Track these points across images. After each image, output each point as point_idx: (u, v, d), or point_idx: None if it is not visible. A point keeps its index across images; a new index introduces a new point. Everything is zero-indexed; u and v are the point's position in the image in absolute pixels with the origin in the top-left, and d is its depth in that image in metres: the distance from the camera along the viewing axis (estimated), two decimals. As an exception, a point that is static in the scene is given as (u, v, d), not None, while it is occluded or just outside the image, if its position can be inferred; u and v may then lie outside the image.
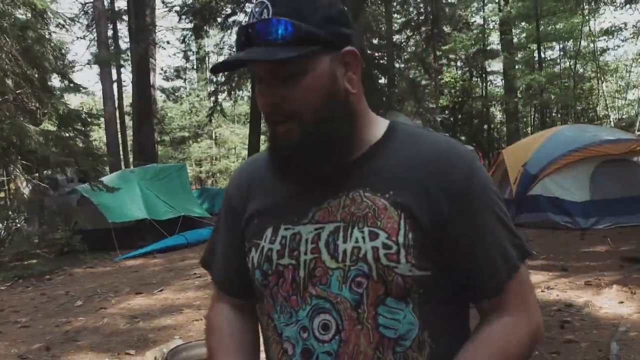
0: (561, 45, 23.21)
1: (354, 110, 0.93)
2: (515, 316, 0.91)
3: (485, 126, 25.40)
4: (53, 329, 5.09)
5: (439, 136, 0.99)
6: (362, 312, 0.87)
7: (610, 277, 5.45)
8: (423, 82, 19.46)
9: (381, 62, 16.89)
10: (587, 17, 19.82)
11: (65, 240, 9.64)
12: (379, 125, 0.97)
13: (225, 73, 16.50)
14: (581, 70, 22.92)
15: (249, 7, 14.83)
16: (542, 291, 5.25)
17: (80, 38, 18.22)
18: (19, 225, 11.41)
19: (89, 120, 10.25)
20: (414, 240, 0.87)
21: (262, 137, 22.18)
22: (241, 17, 15.77)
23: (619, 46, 32.65)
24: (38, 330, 5.10)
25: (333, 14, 0.89)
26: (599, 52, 21.47)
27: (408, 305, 0.88)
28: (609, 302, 4.72)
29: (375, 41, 16.52)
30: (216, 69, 0.93)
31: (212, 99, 17.71)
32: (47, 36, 10.48)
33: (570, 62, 22.06)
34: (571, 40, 21.38)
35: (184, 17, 15.91)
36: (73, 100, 21.40)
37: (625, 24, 19.61)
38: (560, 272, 5.95)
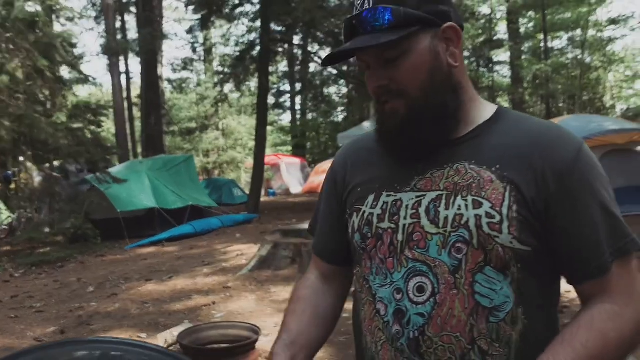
0: (569, 35, 23.08)
1: (458, 83, 0.97)
2: (619, 303, 0.89)
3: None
4: (67, 313, 5.26)
5: (547, 121, 1.01)
6: (459, 278, 0.89)
7: (610, 265, 5.54)
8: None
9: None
10: (594, 6, 19.71)
11: (77, 228, 9.80)
12: (488, 107, 1.01)
13: (230, 65, 16.62)
14: (588, 59, 22.81)
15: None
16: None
17: (89, 30, 18.33)
18: (30, 214, 11.61)
19: (100, 111, 10.39)
20: (518, 213, 0.88)
21: (269, 128, 22.35)
22: (248, 8, 15.85)
23: (625, 35, 32.36)
24: (52, 314, 5.27)
25: None
26: (605, 42, 21.32)
27: (507, 278, 0.89)
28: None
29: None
30: (326, 61, 1.00)
31: (218, 89, 17.84)
32: (56, 28, 10.62)
33: (577, 52, 21.96)
34: (579, 29, 21.27)
35: (191, 7, 16.01)
36: (81, 92, 21.59)
37: (633, 12, 19.48)
38: (561, 260, 6.05)
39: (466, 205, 0.91)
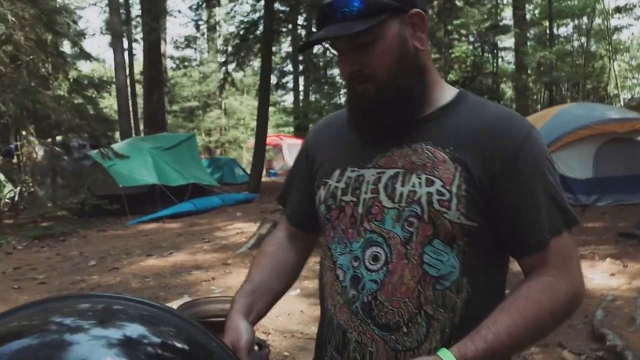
0: (575, 22, 22.91)
1: (424, 66, 1.03)
2: (555, 276, 0.95)
3: (495, 102, 25.24)
4: (69, 285, 5.36)
5: (503, 107, 1.07)
6: (410, 249, 0.98)
7: (605, 252, 5.62)
8: (432, 57, 19.27)
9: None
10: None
11: (84, 203, 9.86)
12: (449, 91, 1.08)
13: (234, 45, 16.54)
14: (594, 48, 22.66)
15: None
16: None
17: (92, 5, 18.20)
18: (32, 189, 11.68)
19: (101, 85, 10.38)
20: (466, 192, 0.96)
21: (271, 109, 22.29)
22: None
23: (631, 25, 32.05)
24: (55, 286, 5.37)
25: None
26: (612, 30, 21.16)
27: (453, 251, 0.97)
28: (601, 274, 4.90)
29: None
30: (301, 48, 1.09)
31: (223, 69, 17.77)
32: (60, 1, 10.57)
33: (582, 40, 21.82)
34: (585, 17, 21.10)
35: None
36: (84, 68, 21.52)
37: (641, 1, 19.25)
38: (557, 246, 6.13)
39: (420, 183, 0.99)
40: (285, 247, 1.24)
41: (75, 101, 9.51)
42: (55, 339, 0.88)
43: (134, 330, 1.06)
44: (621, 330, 3.49)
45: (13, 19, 9.04)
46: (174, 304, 4.10)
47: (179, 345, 1.05)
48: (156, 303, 1.15)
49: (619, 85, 21.46)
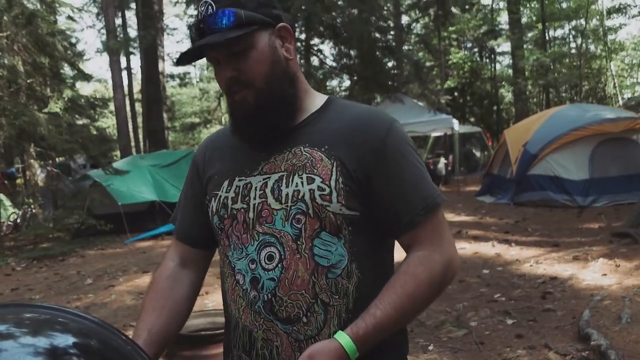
0: (572, 25, 22.94)
1: (294, 74, 1.13)
2: (429, 249, 1.06)
3: (495, 107, 25.31)
4: (64, 305, 5.39)
5: (368, 106, 1.19)
6: (301, 244, 1.05)
7: (598, 252, 5.61)
8: (428, 64, 19.38)
9: (388, 44, 16.90)
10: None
11: (80, 223, 9.94)
12: (318, 97, 1.18)
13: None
14: (593, 48, 22.66)
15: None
16: (530, 265, 5.44)
17: (90, 27, 18.43)
18: (33, 210, 11.78)
19: (97, 104, 10.49)
20: (344, 184, 1.05)
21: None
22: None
23: (625, 24, 32.00)
24: (50, 306, 5.40)
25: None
26: (606, 29, 21.15)
27: (340, 240, 1.06)
28: (593, 274, 4.89)
29: (383, 24, 16.50)
30: (179, 60, 1.13)
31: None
32: (56, 26, 10.73)
33: (579, 41, 21.83)
34: (583, 18, 21.14)
35: (192, 4, 16.07)
36: (86, 89, 21.74)
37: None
38: (551, 248, 6.13)
39: (302, 182, 1.07)
40: (178, 279, 1.24)
41: (71, 122, 9.61)
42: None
43: (62, 340, 1.11)
44: (607, 329, 3.49)
45: (8, 42, 9.20)
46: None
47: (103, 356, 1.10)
48: (98, 320, 1.20)
49: (617, 85, 21.42)
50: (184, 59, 1.12)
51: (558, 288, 4.63)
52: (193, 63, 1.22)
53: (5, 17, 8.31)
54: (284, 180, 1.08)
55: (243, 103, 1.08)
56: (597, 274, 4.90)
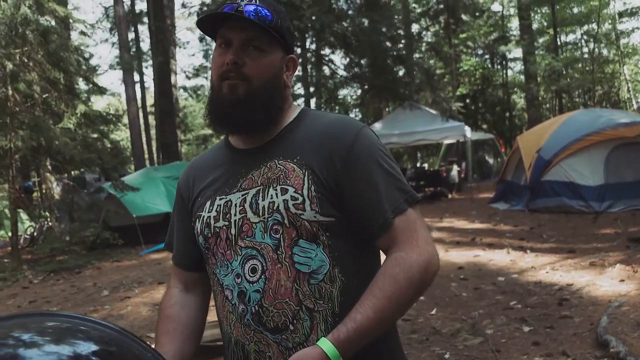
0: (584, 29, 22.81)
1: (286, 97, 1.19)
2: (405, 250, 1.06)
3: (507, 113, 25.20)
4: (81, 316, 5.44)
5: (338, 114, 1.23)
6: (280, 253, 1.07)
7: (615, 258, 5.54)
8: (438, 72, 19.37)
9: (398, 52, 16.95)
10: (606, 0, 19.45)
11: (96, 236, 10.05)
12: (293, 111, 1.21)
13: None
14: (605, 52, 22.49)
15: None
16: (546, 272, 5.39)
17: (104, 41, 18.70)
18: (50, 223, 11.93)
19: (110, 119, 10.64)
20: (317, 192, 1.07)
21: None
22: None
23: (638, 28, 31.71)
24: (67, 318, 5.45)
25: (289, 27, 1.17)
26: (619, 33, 20.98)
27: (319, 246, 1.07)
28: (610, 281, 4.83)
29: (393, 32, 16.56)
30: (201, 21, 1.13)
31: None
32: (70, 41, 10.91)
33: (590, 46, 21.69)
34: (594, 23, 21.03)
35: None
36: (100, 103, 22.06)
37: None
38: (567, 254, 6.06)
39: (276, 194, 1.09)
40: (185, 304, 1.27)
41: (85, 136, 9.74)
42: (8, 352, 0.97)
43: (85, 348, 1.14)
44: (625, 336, 3.44)
45: (25, 59, 9.37)
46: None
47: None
48: (120, 328, 1.22)
49: (631, 89, 21.22)
50: (204, 21, 1.14)
51: (575, 295, 4.57)
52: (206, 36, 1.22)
53: (25, 33, 8.46)
54: (261, 194, 1.11)
55: (232, 92, 1.11)
56: (614, 280, 4.84)
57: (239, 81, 1.10)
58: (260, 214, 1.09)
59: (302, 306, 1.07)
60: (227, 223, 1.14)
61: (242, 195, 1.14)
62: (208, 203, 1.19)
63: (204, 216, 1.18)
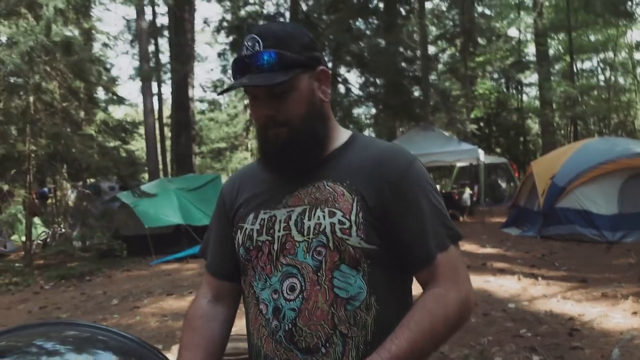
0: (600, 57, 22.79)
1: (327, 114, 1.20)
2: (444, 287, 1.08)
3: (521, 138, 25.12)
4: (90, 324, 5.47)
5: (389, 142, 1.24)
6: (321, 275, 1.08)
7: (628, 290, 5.48)
8: (454, 93, 19.39)
9: (415, 74, 17.03)
10: (623, 29, 19.45)
11: (106, 244, 10.14)
12: (344, 133, 1.23)
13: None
14: (622, 81, 22.41)
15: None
16: (557, 301, 5.34)
17: (124, 53, 19.02)
18: (63, 230, 12.04)
19: (128, 128, 10.80)
20: (364, 219, 1.08)
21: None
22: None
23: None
24: (77, 325, 5.48)
25: (306, 42, 1.16)
26: (635, 62, 20.92)
27: (359, 273, 1.08)
28: (622, 312, 4.77)
29: (409, 53, 16.68)
30: (222, 92, 1.22)
31: (249, 111, 18.19)
32: (92, 52, 11.14)
33: (607, 74, 21.64)
34: (611, 51, 21.01)
35: (222, 32, 16.49)
36: (117, 113, 22.33)
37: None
38: (579, 284, 6.00)
39: (324, 216, 1.10)
40: (212, 317, 1.27)
41: (104, 144, 9.89)
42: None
43: (104, 358, 1.17)
44: (637, 370, 3.40)
45: (48, 68, 9.57)
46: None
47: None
48: (137, 338, 1.26)
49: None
50: (227, 90, 1.20)
51: (586, 326, 4.52)
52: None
53: (46, 43, 8.65)
54: (307, 214, 1.12)
55: (277, 138, 1.13)
56: (627, 312, 4.78)
57: (279, 128, 1.13)
58: (305, 234, 1.11)
59: (336, 330, 1.07)
60: (270, 238, 1.15)
61: (288, 212, 1.15)
62: (251, 215, 1.20)
63: (246, 228, 1.20)
